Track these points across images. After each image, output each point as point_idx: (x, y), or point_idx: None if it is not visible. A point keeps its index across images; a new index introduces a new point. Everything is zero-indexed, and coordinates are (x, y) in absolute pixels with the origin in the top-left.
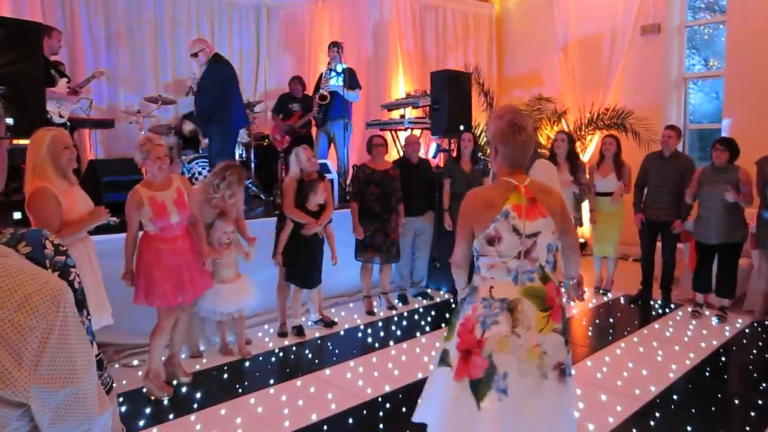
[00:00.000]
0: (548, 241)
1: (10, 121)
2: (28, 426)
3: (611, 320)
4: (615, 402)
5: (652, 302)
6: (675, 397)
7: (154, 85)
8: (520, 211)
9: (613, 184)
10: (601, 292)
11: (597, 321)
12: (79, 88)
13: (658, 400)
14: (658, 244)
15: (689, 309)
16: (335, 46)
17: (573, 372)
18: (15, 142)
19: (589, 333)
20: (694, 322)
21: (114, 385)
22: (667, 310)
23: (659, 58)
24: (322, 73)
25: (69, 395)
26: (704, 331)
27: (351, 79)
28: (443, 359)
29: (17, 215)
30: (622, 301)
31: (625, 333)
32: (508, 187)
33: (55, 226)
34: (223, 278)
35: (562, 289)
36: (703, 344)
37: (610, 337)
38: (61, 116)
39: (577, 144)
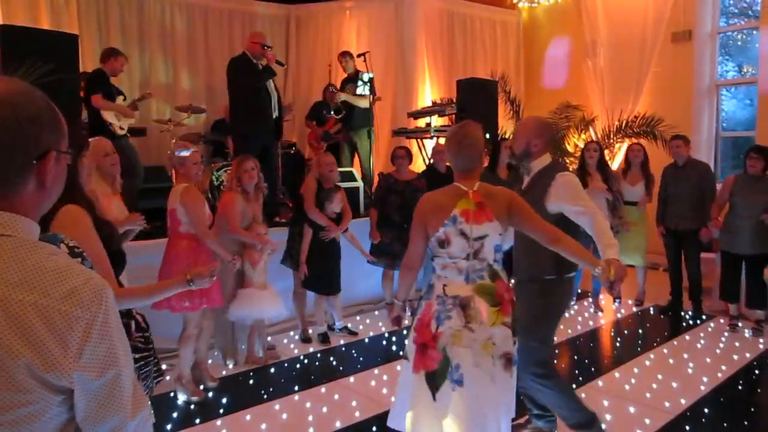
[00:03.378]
0: (495, 242)
1: None
2: (66, 414)
3: (640, 331)
4: (644, 415)
5: (682, 313)
6: (706, 410)
7: (185, 95)
8: (468, 216)
9: (642, 192)
10: (630, 302)
11: (626, 332)
12: (136, 104)
13: (688, 414)
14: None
15: (722, 321)
16: (348, 54)
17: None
18: None
19: (617, 344)
20: (726, 334)
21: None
22: (698, 322)
23: (690, 65)
24: (329, 85)
25: (106, 383)
26: (737, 344)
27: (372, 88)
28: (406, 355)
29: None
30: (651, 312)
31: (655, 344)
32: (458, 192)
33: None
34: (257, 284)
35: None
36: (735, 357)
37: (639, 348)
38: (121, 128)
39: (606, 152)
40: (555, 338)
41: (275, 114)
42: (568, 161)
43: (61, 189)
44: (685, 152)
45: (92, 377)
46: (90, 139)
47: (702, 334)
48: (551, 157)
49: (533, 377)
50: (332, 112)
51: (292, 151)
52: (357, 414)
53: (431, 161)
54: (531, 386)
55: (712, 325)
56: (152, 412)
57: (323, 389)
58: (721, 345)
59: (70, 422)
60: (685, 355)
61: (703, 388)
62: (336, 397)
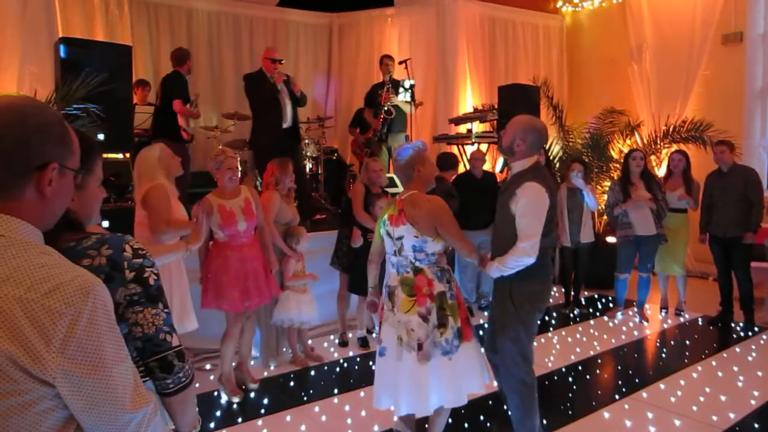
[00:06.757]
0: (411, 243)
1: (100, 136)
2: (63, 411)
3: (687, 342)
4: (690, 428)
5: (733, 324)
6: (756, 425)
7: (231, 102)
8: (392, 219)
9: (683, 199)
10: (675, 313)
11: (672, 343)
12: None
13: (737, 428)
14: None
15: None
16: (389, 58)
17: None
18: (104, 156)
19: (663, 355)
20: None
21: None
22: (750, 333)
23: (742, 68)
24: (375, 86)
25: (98, 384)
26: None
27: (413, 95)
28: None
29: (105, 224)
30: (700, 323)
31: (703, 356)
32: (392, 201)
33: (165, 217)
34: (299, 288)
35: None
36: None
37: (686, 360)
38: (189, 133)
39: (652, 158)
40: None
41: (287, 124)
42: (611, 167)
43: (65, 203)
44: (729, 158)
45: (81, 374)
46: (149, 148)
47: (753, 347)
48: (536, 160)
49: (508, 377)
50: (383, 112)
51: (334, 157)
52: (395, 419)
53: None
54: (504, 381)
55: (764, 337)
56: (160, 410)
57: (362, 393)
58: None
59: (70, 420)
60: (735, 368)
61: (753, 402)
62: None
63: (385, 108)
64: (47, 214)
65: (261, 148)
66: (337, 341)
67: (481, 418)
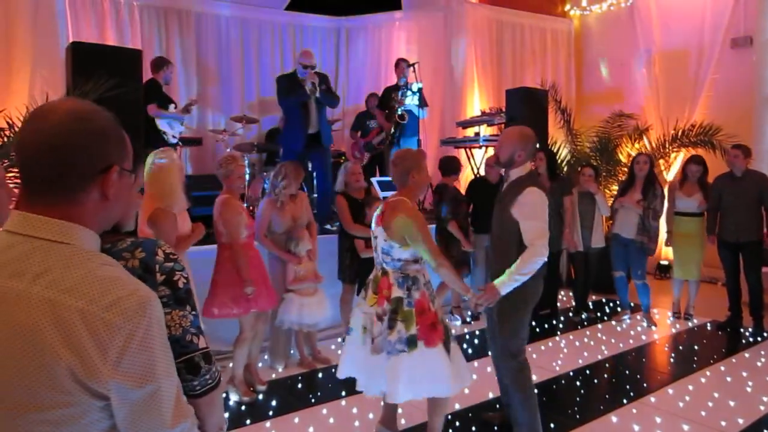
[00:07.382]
0: (381, 245)
1: None
2: (108, 421)
3: (696, 347)
4: None
5: (742, 330)
6: (765, 431)
7: (239, 106)
8: (376, 219)
9: (699, 204)
10: (684, 317)
11: (680, 347)
12: (187, 111)
13: None
14: None
15: None
16: (405, 62)
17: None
18: None
19: (671, 360)
20: None
21: (220, 382)
22: (759, 339)
23: (751, 72)
24: (388, 89)
25: (146, 395)
26: None
27: (421, 98)
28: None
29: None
30: (708, 328)
31: (711, 361)
32: (383, 201)
33: (172, 242)
34: (305, 291)
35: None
36: None
37: (695, 365)
38: (174, 137)
39: (660, 162)
40: (527, 332)
41: (313, 129)
42: (620, 171)
43: (124, 205)
44: (742, 163)
45: (131, 386)
46: (170, 153)
47: (763, 352)
48: (530, 167)
49: (507, 368)
50: (397, 116)
51: (341, 161)
52: (402, 422)
53: (478, 172)
54: (506, 376)
55: None
56: (197, 422)
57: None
58: None
59: (112, 429)
60: (744, 373)
61: (762, 408)
62: (382, 404)
63: (399, 112)
64: (107, 218)
65: (285, 151)
66: (340, 340)
67: (482, 420)
